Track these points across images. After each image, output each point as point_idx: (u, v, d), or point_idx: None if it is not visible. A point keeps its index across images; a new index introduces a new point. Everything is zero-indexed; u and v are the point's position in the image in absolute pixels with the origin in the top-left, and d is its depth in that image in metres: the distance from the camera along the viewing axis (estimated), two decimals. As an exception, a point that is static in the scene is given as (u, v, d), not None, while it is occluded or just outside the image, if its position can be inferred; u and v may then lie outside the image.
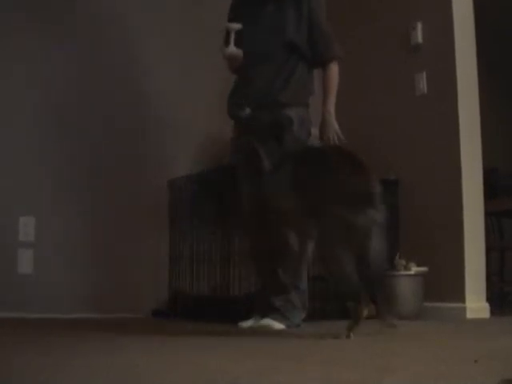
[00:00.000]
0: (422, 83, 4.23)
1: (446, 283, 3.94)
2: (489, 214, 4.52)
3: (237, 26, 3.33)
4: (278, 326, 3.21)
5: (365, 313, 3.53)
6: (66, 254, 4.11)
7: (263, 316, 3.27)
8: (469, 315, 3.82)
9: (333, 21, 5.06)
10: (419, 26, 4.26)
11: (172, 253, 4.40)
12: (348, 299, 2.72)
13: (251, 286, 3.88)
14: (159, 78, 4.47)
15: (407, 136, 4.34)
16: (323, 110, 3.35)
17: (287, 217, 2.86)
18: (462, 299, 3.86)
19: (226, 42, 3.33)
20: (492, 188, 4.58)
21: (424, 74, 4.23)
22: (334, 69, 3.39)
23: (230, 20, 3.43)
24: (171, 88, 4.49)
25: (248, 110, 3.08)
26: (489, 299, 3.99)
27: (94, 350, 2.37)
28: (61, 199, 4.13)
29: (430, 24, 4.22)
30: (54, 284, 4.02)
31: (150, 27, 4.46)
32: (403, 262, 3.88)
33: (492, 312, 3.94)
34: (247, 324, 3.26)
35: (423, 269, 3.89)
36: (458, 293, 3.88)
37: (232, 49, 3.33)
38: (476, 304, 3.89)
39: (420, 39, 4.26)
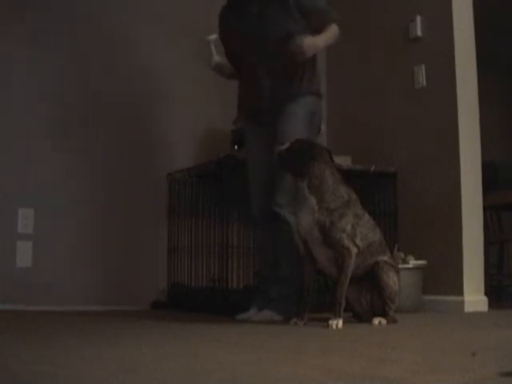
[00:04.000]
0: (421, 76, 4.23)
1: (444, 276, 3.94)
2: (488, 208, 4.53)
3: (214, 36, 3.36)
4: (277, 317, 3.22)
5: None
6: (65, 247, 4.11)
7: (262, 308, 3.28)
8: (467, 308, 3.82)
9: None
10: (418, 18, 4.25)
11: (170, 245, 4.41)
12: None
13: (250, 277, 3.89)
14: (158, 72, 4.47)
15: (406, 129, 4.34)
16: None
17: None
18: (461, 292, 3.86)
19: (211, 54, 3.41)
20: (491, 181, 4.58)
21: (423, 66, 4.22)
22: (332, 28, 3.31)
23: (222, 35, 3.47)
24: (171, 81, 4.49)
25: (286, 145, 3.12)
26: (487, 292, 4.00)
27: (94, 342, 2.37)
28: (60, 191, 4.12)
29: (429, 17, 4.22)
30: (52, 277, 4.02)
31: (149, 21, 4.45)
32: (401, 254, 3.88)
33: (490, 305, 3.95)
34: (246, 315, 3.27)
35: (422, 262, 3.89)
36: (456, 286, 3.88)
37: (215, 60, 3.37)
38: (474, 297, 3.90)
39: (419, 32, 4.25)
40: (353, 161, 4.28)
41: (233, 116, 3.97)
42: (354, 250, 2.96)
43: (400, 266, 3.61)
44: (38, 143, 4.09)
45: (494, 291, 4.68)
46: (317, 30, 3.27)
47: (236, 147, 4.12)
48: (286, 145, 3.07)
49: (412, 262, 3.86)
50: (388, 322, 3.01)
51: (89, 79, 4.27)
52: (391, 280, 3.06)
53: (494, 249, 4.92)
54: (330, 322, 2.84)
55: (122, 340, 2.48)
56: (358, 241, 2.98)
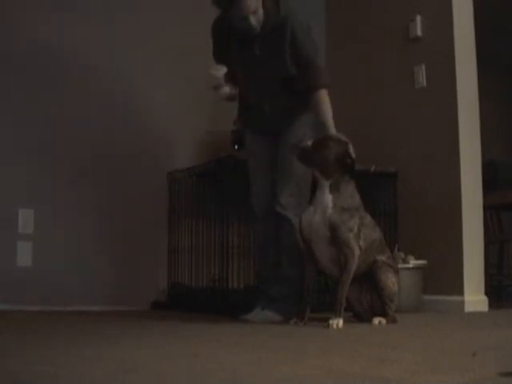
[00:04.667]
0: (422, 76, 4.22)
1: (444, 276, 3.94)
2: (488, 208, 4.52)
3: (221, 72, 3.32)
4: (277, 317, 3.22)
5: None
6: (65, 247, 4.11)
7: (263, 308, 3.28)
8: (467, 308, 3.82)
9: (332, 13, 5.10)
10: (418, 18, 4.25)
11: (171, 245, 4.41)
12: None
13: (250, 277, 3.89)
14: (158, 71, 4.47)
15: (406, 129, 4.34)
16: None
17: None
18: (461, 292, 3.86)
19: (216, 87, 3.34)
20: (491, 181, 4.58)
21: (423, 66, 4.22)
22: (322, 95, 3.27)
23: (218, 60, 3.41)
24: (171, 81, 4.48)
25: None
26: (487, 292, 3.99)
27: (94, 342, 2.37)
28: (60, 191, 4.12)
29: (429, 17, 4.21)
30: (52, 277, 4.02)
31: (149, 22, 4.45)
32: (402, 254, 3.88)
33: (490, 305, 3.95)
34: (248, 316, 3.27)
35: (422, 262, 3.89)
36: (456, 286, 3.88)
37: (226, 92, 3.35)
38: (474, 297, 3.89)
39: (419, 32, 4.25)
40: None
41: (233, 116, 3.97)
42: (357, 252, 2.97)
43: (400, 265, 3.61)
44: (38, 144, 4.08)
45: (494, 291, 4.68)
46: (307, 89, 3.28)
47: (236, 147, 4.11)
48: (309, 142, 3.06)
49: (412, 262, 3.86)
50: (388, 322, 3.02)
51: (89, 79, 4.27)
52: (390, 281, 3.07)
53: (494, 249, 4.92)
54: (331, 321, 2.84)
55: (122, 340, 2.48)
56: (361, 242, 3.00)
